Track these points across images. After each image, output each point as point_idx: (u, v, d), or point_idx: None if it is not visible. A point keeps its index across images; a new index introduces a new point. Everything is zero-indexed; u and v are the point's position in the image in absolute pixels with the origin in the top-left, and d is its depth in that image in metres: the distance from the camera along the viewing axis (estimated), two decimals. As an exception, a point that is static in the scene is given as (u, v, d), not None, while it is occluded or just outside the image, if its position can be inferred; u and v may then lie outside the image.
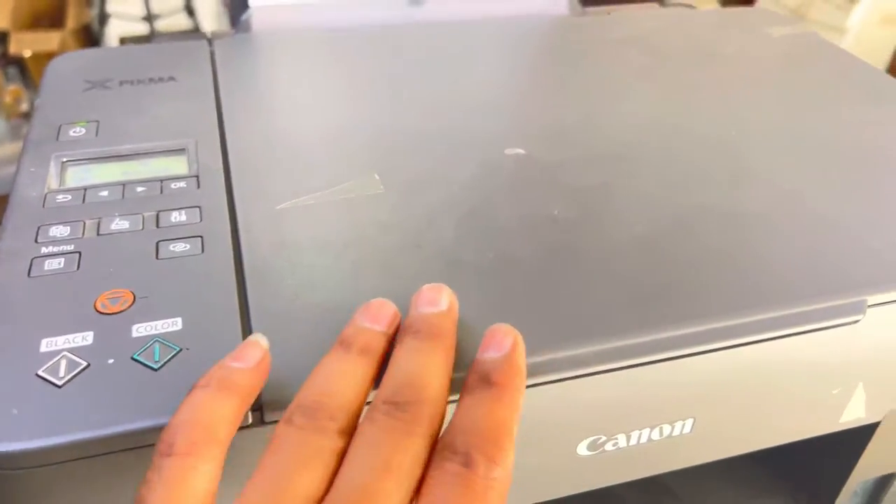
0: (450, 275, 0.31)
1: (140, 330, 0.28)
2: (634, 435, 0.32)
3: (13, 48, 1.50)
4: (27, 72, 1.49)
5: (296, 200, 0.35)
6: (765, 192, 0.37)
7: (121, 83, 0.45)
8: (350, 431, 0.23)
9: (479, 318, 0.28)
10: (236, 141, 0.40)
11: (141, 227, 0.33)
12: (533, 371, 0.27)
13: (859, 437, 0.39)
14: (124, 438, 0.24)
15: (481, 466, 0.22)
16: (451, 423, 0.24)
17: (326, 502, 0.22)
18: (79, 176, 0.37)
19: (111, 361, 0.26)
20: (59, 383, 0.26)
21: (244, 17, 0.55)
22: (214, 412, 0.23)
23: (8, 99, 1.40)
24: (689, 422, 0.32)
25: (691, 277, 0.32)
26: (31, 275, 0.30)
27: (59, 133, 0.40)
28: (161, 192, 0.35)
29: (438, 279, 0.31)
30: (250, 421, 0.25)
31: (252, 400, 0.25)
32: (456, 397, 0.25)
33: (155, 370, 0.26)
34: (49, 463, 0.24)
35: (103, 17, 1.64)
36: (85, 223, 0.33)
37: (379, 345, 0.26)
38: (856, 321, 0.31)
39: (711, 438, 0.34)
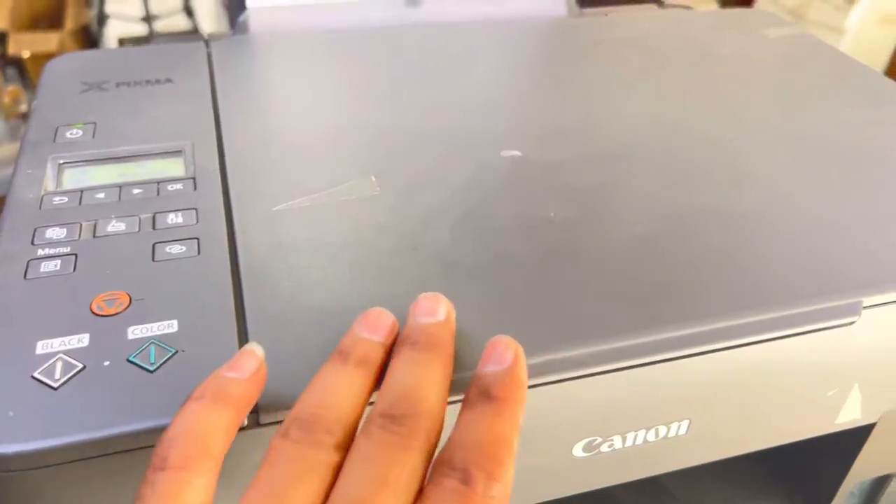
0: (446, 277, 0.31)
1: (136, 332, 0.28)
2: (630, 436, 0.32)
3: (12, 49, 1.50)
4: (26, 73, 1.49)
5: (292, 202, 0.35)
6: (760, 193, 0.37)
7: (118, 85, 0.45)
8: (347, 445, 0.23)
9: (474, 319, 0.28)
10: (233, 143, 0.40)
11: (137, 229, 0.33)
12: (528, 372, 0.27)
13: (856, 438, 0.39)
14: (120, 440, 0.24)
15: (480, 483, 0.21)
16: (450, 437, 0.23)
17: None
18: (75, 178, 0.37)
19: (107, 363, 0.26)
20: (55, 385, 0.26)
21: (241, 18, 0.55)
22: (209, 424, 0.23)
23: (6, 100, 1.40)
24: (685, 423, 0.32)
25: (686, 279, 0.32)
26: (28, 277, 0.30)
27: (56, 135, 0.40)
28: (158, 193, 0.35)
29: (435, 281, 0.31)
30: (246, 423, 0.25)
31: (248, 410, 0.24)
32: (459, 397, 0.25)
33: (150, 372, 0.26)
34: (45, 465, 0.24)
35: (102, 18, 1.64)
36: (81, 225, 0.33)
37: (377, 356, 0.26)
38: (851, 323, 0.31)
39: (707, 440, 0.34)
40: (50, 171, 0.37)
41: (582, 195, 0.37)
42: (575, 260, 0.32)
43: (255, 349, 0.25)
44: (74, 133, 0.40)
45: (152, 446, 0.25)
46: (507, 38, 0.56)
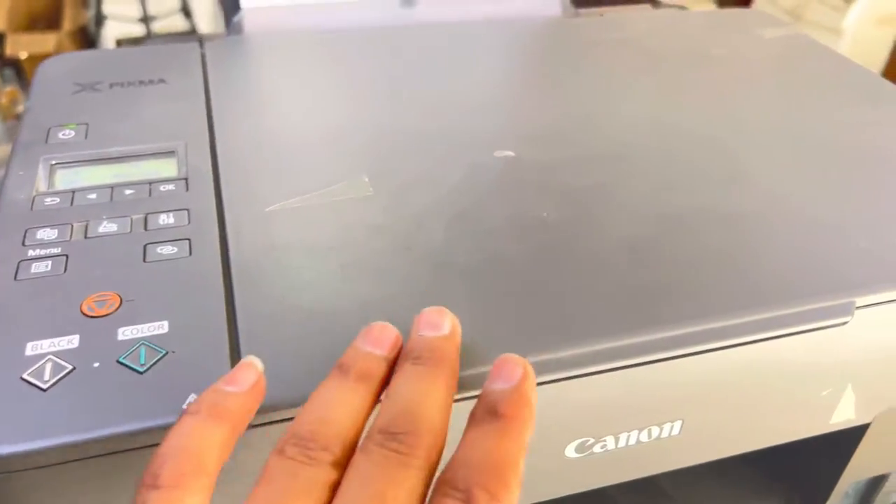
0: (439, 277, 0.31)
1: (126, 333, 0.28)
2: (623, 437, 0.32)
3: (9, 50, 1.49)
4: (23, 73, 1.49)
5: (284, 203, 0.35)
6: (754, 193, 0.37)
7: (111, 85, 0.45)
8: (345, 462, 0.22)
9: (467, 319, 0.28)
10: (226, 143, 0.40)
11: (129, 230, 0.33)
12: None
13: (850, 438, 0.39)
14: (109, 442, 0.24)
15: None
16: (453, 456, 0.22)
17: None
18: (67, 178, 0.37)
19: (97, 365, 0.26)
20: (44, 387, 0.25)
21: (236, 18, 0.55)
22: (203, 441, 0.22)
23: (4, 101, 1.40)
24: (678, 423, 0.32)
25: (678, 279, 0.32)
26: (18, 278, 0.30)
27: (48, 136, 0.40)
28: (150, 194, 0.35)
29: (427, 281, 0.31)
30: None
31: (245, 425, 0.24)
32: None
33: (140, 373, 0.26)
34: (33, 466, 0.24)
35: (100, 19, 1.64)
36: (73, 226, 0.33)
37: (379, 370, 0.25)
38: (844, 323, 0.31)
39: (700, 440, 0.34)
40: (42, 171, 0.37)
41: (574, 195, 0.37)
42: (567, 260, 0.32)
43: (253, 361, 0.25)
44: (67, 134, 0.40)
45: (141, 448, 0.25)
46: (501, 39, 0.56)
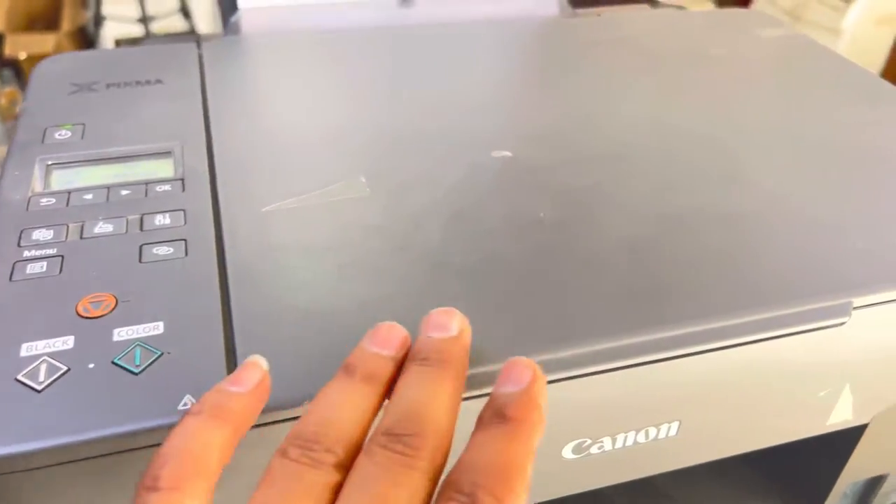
0: (436, 277, 0.31)
1: (121, 334, 0.28)
2: (620, 438, 0.32)
3: (8, 50, 1.49)
4: (23, 74, 1.49)
5: (281, 203, 0.35)
6: (754, 193, 0.37)
7: (108, 86, 0.45)
8: (349, 465, 0.22)
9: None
10: (222, 144, 0.39)
11: (125, 231, 0.33)
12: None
13: (848, 439, 0.39)
14: (104, 443, 0.24)
15: None
16: (459, 459, 0.22)
17: None
18: (64, 179, 0.37)
19: (91, 366, 0.26)
20: (39, 388, 0.25)
21: (233, 19, 0.55)
22: (205, 442, 0.22)
23: (3, 101, 1.40)
24: (675, 424, 0.32)
25: (675, 279, 0.32)
26: (13, 279, 0.30)
27: (44, 136, 0.40)
28: (146, 195, 0.35)
29: (425, 281, 0.31)
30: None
31: (248, 426, 0.23)
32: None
33: (136, 374, 0.26)
34: (28, 468, 0.24)
35: (99, 19, 1.64)
36: (68, 227, 0.33)
37: (385, 371, 0.25)
38: (841, 323, 0.31)
39: (697, 441, 0.34)
40: (38, 172, 0.37)
41: (573, 195, 0.37)
42: (565, 260, 0.32)
43: (258, 361, 0.25)
44: (63, 134, 0.40)
45: (136, 449, 0.25)
46: (499, 39, 0.55)
